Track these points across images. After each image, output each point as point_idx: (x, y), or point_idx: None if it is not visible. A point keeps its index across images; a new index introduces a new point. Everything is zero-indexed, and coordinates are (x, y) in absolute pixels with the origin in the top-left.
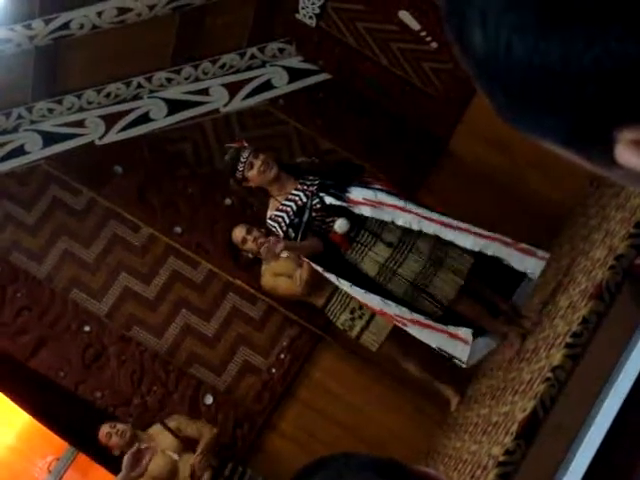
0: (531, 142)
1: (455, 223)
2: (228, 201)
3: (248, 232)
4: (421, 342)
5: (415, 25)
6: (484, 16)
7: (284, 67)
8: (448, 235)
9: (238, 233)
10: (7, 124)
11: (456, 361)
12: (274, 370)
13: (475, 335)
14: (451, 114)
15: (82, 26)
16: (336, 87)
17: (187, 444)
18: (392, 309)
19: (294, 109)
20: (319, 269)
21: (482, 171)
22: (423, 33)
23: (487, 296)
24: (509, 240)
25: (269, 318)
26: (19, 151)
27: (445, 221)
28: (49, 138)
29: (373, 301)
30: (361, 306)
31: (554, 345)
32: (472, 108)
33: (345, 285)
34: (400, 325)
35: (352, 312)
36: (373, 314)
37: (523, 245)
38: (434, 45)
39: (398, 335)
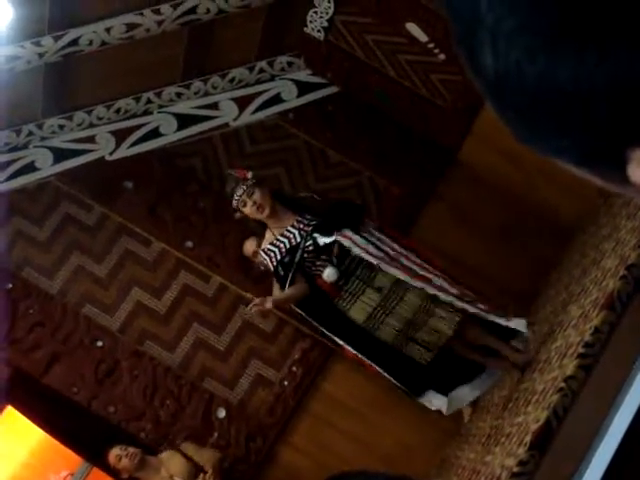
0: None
1: (439, 283)
2: (239, 215)
3: (259, 245)
4: None
5: (423, 37)
6: (495, 37)
7: (293, 80)
8: (431, 290)
9: (249, 246)
10: (17, 141)
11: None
12: (286, 383)
13: (454, 385)
14: (460, 125)
15: (91, 42)
16: (345, 100)
17: (196, 471)
18: (368, 362)
19: (304, 122)
20: (302, 314)
21: (492, 181)
22: (431, 45)
23: (485, 342)
24: (487, 309)
25: (281, 331)
26: (30, 167)
27: (431, 280)
28: (60, 154)
29: (351, 351)
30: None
31: (566, 355)
32: (481, 118)
33: (326, 332)
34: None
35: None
36: None
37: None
38: (442, 57)
39: None
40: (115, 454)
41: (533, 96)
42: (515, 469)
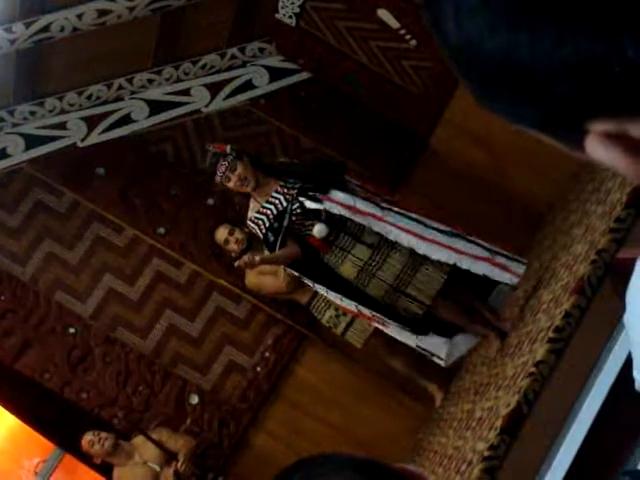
0: (512, 139)
1: (431, 236)
2: (211, 201)
3: (230, 233)
4: None
5: (394, 23)
6: (458, 10)
7: (265, 67)
8: (422, 249)
9: (220, 234)
10: None
11: (435, 359)
12: (259, 369)
13: (453, 333)
14: (431, 111)
15: (62, 29)
16: (317, 86)
17: (169, 456)
18: (367, 313)
19: (275, 108)
20: (295, 274)
21: (463, 167)
22: (402, 31)
23: (463, 298)
24: (485, 254)
25: (253, 317)
26: (1, 154)
27: (420, 234)
28: (31, 141)
29: (349, 306)
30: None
31: (537, 340)
32: (452, 105)
33: (321, 290)
34: (380, 327)
35: (337, 309)
36: None
37: (498, 261)
38: (413, 43)
39: (383, 332)
40: (88, 439)
41: (493, 67)
42: (486, 453)
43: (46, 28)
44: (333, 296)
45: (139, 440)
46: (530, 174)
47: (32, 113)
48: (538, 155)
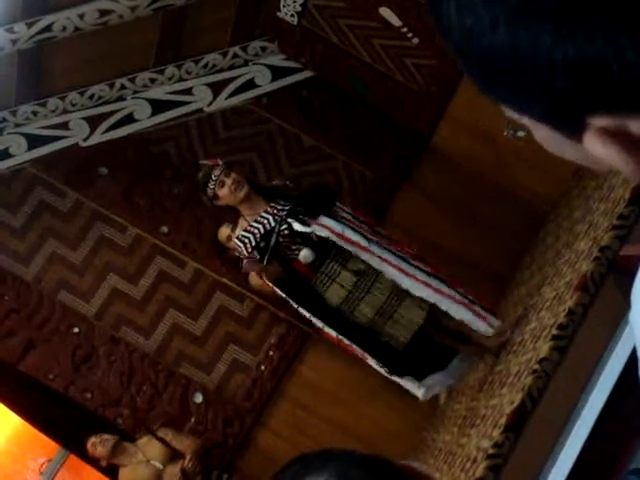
0: None
1: (413, 273)
2: (210, 203)
3: (233, 231)
4: None
5: (396, 21)
6: (460, 3)
7: (267, 65)
8: (405, 283)
9: (223, 232)
10: None
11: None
12: (263, 367)
13: (426, 374)
14: (433, 109)
15: (64, 28)
16: (319, 84)
17: (173, 455)
18: (348, 343)
19: (278, 107)
20: (282, 295)
21: (465, 165)
22: (404, 29)
23: (442, 340)
24: (465, 300)
25: (257, 316)
26: (4, 154)
27: (404, 269)
28: (34, 141)
29: (330, 333)
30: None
31: (541, 337)
32: (454, 103)
33: (305, 313)
34: (359, 356)
35: None
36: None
37: (477, 308)
38: (415, 41)
39: None
40: (91, 442)
41: (494, 61)
42: (490, 451)
43: (48, 28)
44: (316, 321)
45: (143, 440)
46: (533, 171)
47: (34, 113)
48: (541, 152)
